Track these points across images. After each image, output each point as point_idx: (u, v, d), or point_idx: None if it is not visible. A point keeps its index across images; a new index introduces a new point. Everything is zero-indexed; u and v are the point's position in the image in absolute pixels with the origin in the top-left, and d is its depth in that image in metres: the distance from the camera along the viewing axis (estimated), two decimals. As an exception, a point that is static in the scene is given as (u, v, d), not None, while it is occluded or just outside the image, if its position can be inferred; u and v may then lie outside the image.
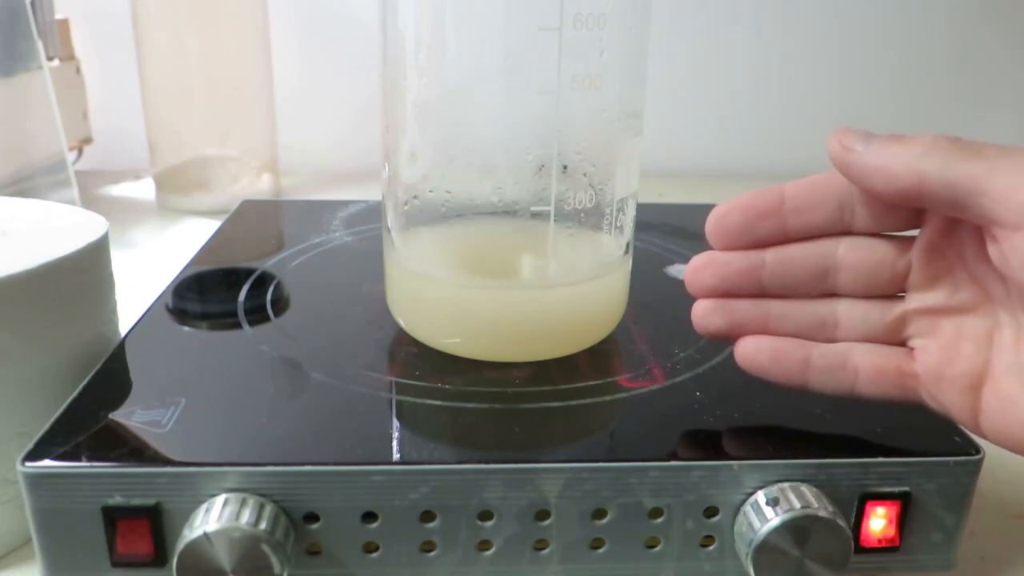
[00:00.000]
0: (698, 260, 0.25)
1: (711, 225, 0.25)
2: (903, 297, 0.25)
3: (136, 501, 0.22)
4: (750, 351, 0.25)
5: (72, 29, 0.68)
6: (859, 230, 0.24)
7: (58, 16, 0.65)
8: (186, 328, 0.32)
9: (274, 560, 0.21)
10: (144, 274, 0.42)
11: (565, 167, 0.28)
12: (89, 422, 0.24)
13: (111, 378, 0.27)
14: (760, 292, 0.25)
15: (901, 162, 0.22)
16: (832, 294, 0.25)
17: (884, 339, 0.25)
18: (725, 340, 0.26)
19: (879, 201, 0.23)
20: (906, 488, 0.24)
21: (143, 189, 0.71)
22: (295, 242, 0.43)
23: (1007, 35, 0.81)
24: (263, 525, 0.22)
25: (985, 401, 0.23)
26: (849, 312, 0.25)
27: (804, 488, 0.23)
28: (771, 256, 0.25)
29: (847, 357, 0.25)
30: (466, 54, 0.28)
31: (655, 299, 0.36)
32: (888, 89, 0.81)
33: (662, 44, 0.78)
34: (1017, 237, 0.20)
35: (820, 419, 0.26)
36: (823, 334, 0.25)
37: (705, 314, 0.26)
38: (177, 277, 0.37)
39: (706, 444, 0.25)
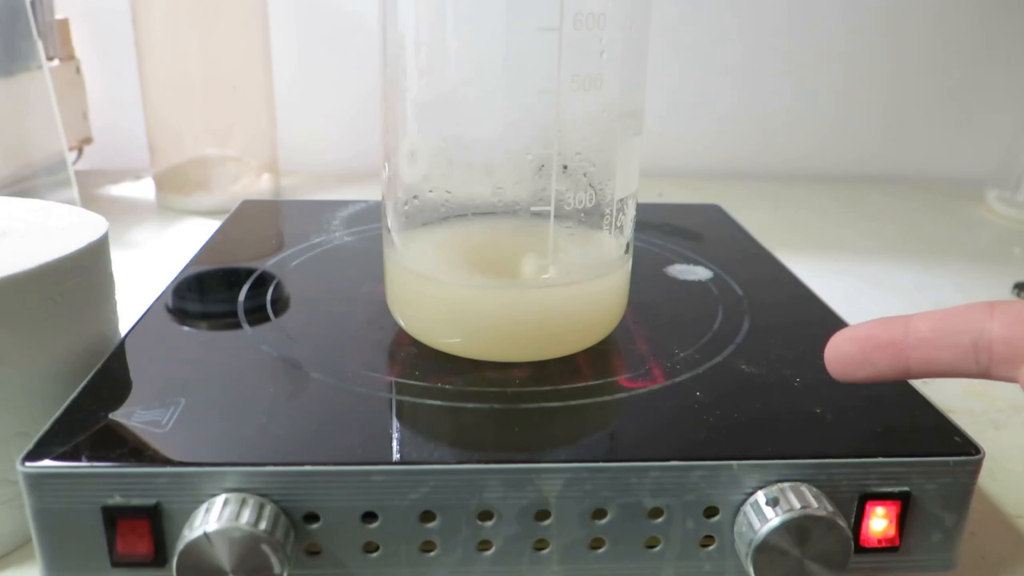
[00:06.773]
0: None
1: (828, 354, 0.23)
2: None
3: (136, 501, 0.22)
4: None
5: (72, 29, 0.68)
6: (999, 375, 0.21)
7: (58, 16, 0.65)
8: (186, 328, 0.32)
9: (274, 560, 0.21)
10: (144, 274, 0.42)
11: (565, 167, 0.28)
12: (89, 422, 0.24)
13: (111, 378, 0.27)
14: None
15: None
16: None
17: None
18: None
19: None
20: (906, 488, 0.24)
21: (143, 189, 0.71)
22: (295, 242, 0.43)
23: (1005, 36, 0.81)
24: (263, 525, 0.22)
25: None
26: None
27: (804, 488, 0.23)
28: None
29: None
30: (466, 54, 0.28)
31: (655, 299, 0.36)
32: (887, 89, 0.81)
33: (662, 44, 0.78)
34: None
35: (820, 419, 0.26)
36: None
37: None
38: (177, 277, 0.37)
39: (706, 444, 0.25)
